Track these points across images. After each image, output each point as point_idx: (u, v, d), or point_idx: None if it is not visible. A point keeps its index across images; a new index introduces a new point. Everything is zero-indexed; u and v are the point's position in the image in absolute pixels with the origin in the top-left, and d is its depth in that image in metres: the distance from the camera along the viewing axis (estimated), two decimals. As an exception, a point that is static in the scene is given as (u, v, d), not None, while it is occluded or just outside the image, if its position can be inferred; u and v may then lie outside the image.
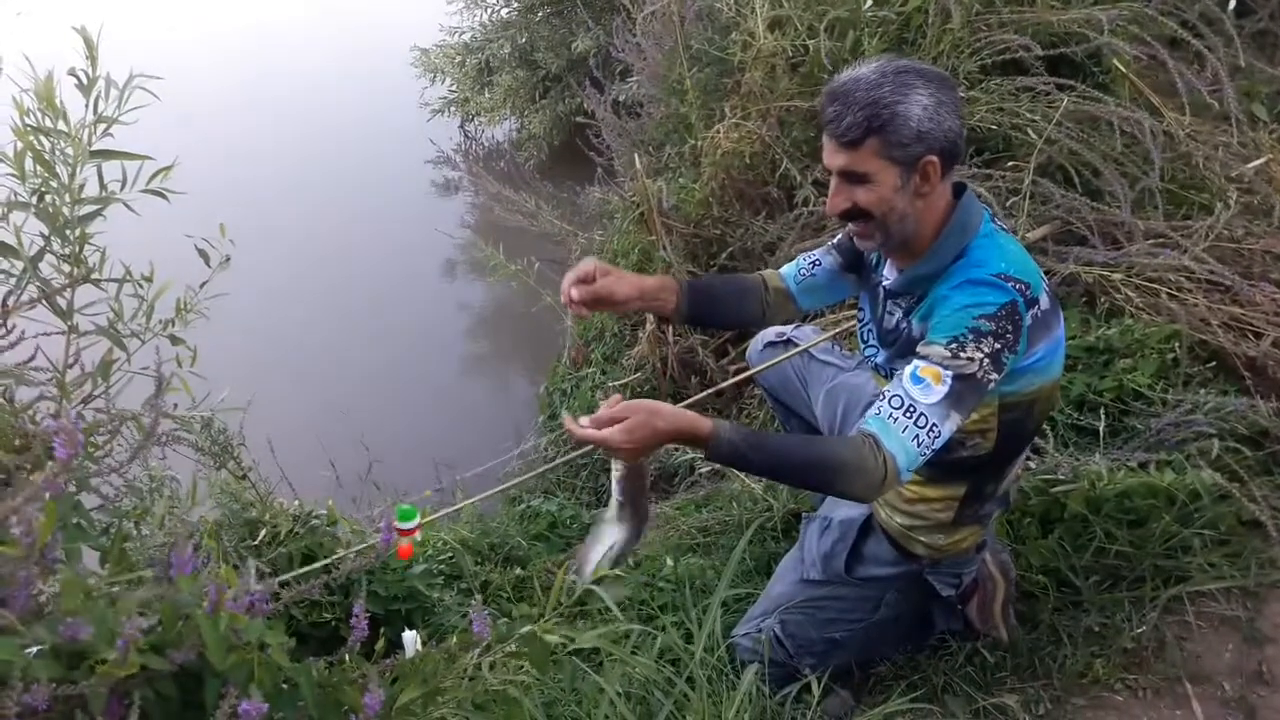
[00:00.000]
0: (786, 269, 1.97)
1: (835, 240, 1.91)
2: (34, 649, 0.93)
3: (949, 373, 1.44)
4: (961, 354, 1.44)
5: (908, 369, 1.48)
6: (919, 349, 1.50)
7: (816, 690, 1.77)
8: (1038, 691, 1.91)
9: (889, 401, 1.47)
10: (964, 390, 1.44)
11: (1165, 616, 1.98)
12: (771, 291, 1.95)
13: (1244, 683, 1.84)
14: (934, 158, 1.48)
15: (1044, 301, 1.54)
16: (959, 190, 1.61)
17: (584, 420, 1.47)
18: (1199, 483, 2.02)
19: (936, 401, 1.43)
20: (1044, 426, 2.36)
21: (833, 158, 1.53)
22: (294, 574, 1.12)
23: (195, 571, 1.05)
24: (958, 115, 1.49)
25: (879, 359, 1.76)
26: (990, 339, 1.45)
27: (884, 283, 1.72)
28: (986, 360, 1.44)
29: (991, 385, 1.47)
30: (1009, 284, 1.48)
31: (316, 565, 1.14)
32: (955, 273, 1.54)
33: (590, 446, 1.55)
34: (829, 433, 2.17)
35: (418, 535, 1.68)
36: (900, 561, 1.85)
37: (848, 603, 1.94)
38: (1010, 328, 1.46)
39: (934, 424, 1.44)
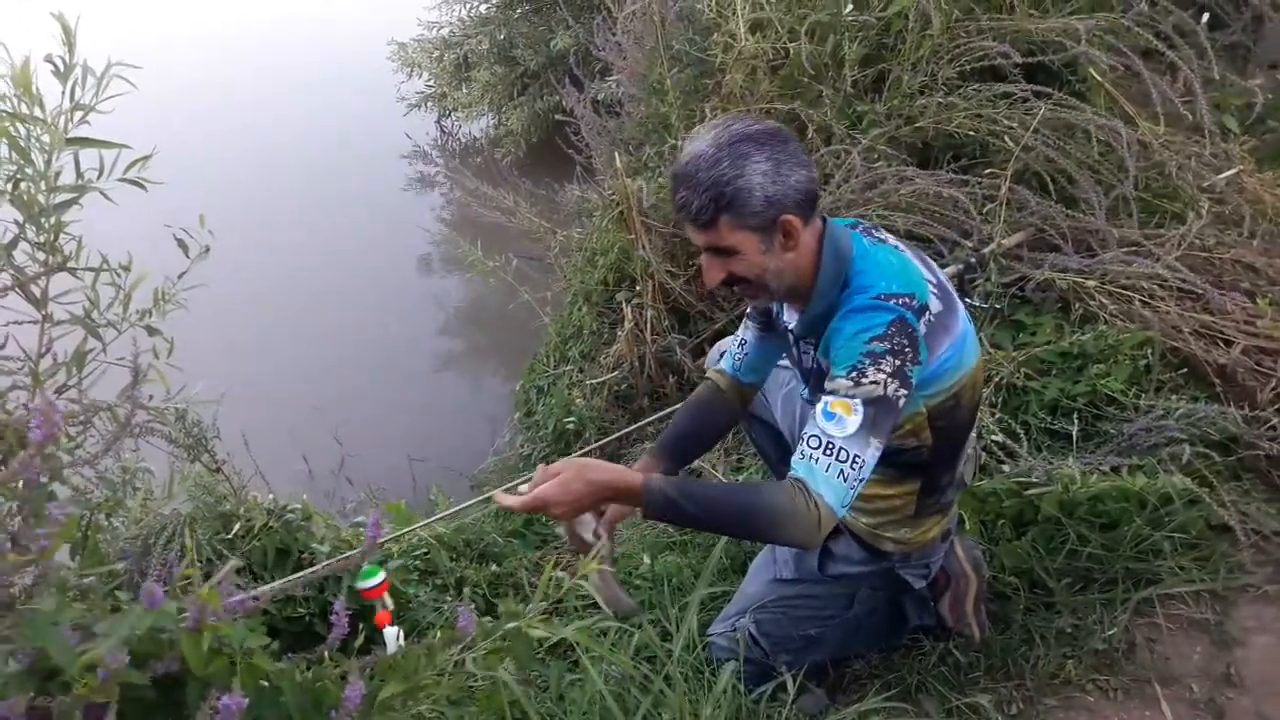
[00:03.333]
0: (724, 362, 2.01)
1: (747, 312, 1.95)
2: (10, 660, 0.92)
3: (857, 400, 1.46)
4: (864, 380, 1.47)
5: (819, 407, 1.50)
6: (825, 384, 1.53)
7: (792, 688, 1.78)
8: (1010, 691, 1.93)
9: (807, 443, 1.49)
10: (877, 414, 1.47)
11: (1136, 618, 2.00)
12: (727, 390, 1.98)
13: (1212, 685, 1.86)
14: (789, 215, 1.51)
15: (934, 305, 1.57)
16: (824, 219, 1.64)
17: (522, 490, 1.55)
18: (1170, 487, 2.06)
19: (853, 433, 1.46)
20: (1017, 430, 2.39)
21: (695, 238, 1.58)
22: (283, 581, 1.11)
23: (170, 589, 1.03)
24: (802, 165, 1.52)
25: (806, 395, 1.82)
26: (888, 358, 1.47)
27: (789, 327, 1.76)
28: (890, 380, 1.47)
29: (903, 401, 1.50)
30: (891, 301, 1.51)
31: (306, 574, 1.13)
32: (842, 303, 1.57)
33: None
34: (789, 433, 2.19)
35: (387, 599, 1.57)
36: (870, 560, 1.87)
37: (821, 600, 1.95)
38: (905, 341, 1.49)
39: (855, 455, 1.46)
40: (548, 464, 1.57)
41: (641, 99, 4.27)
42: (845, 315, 1.54)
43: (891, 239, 1.68)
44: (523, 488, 1.55)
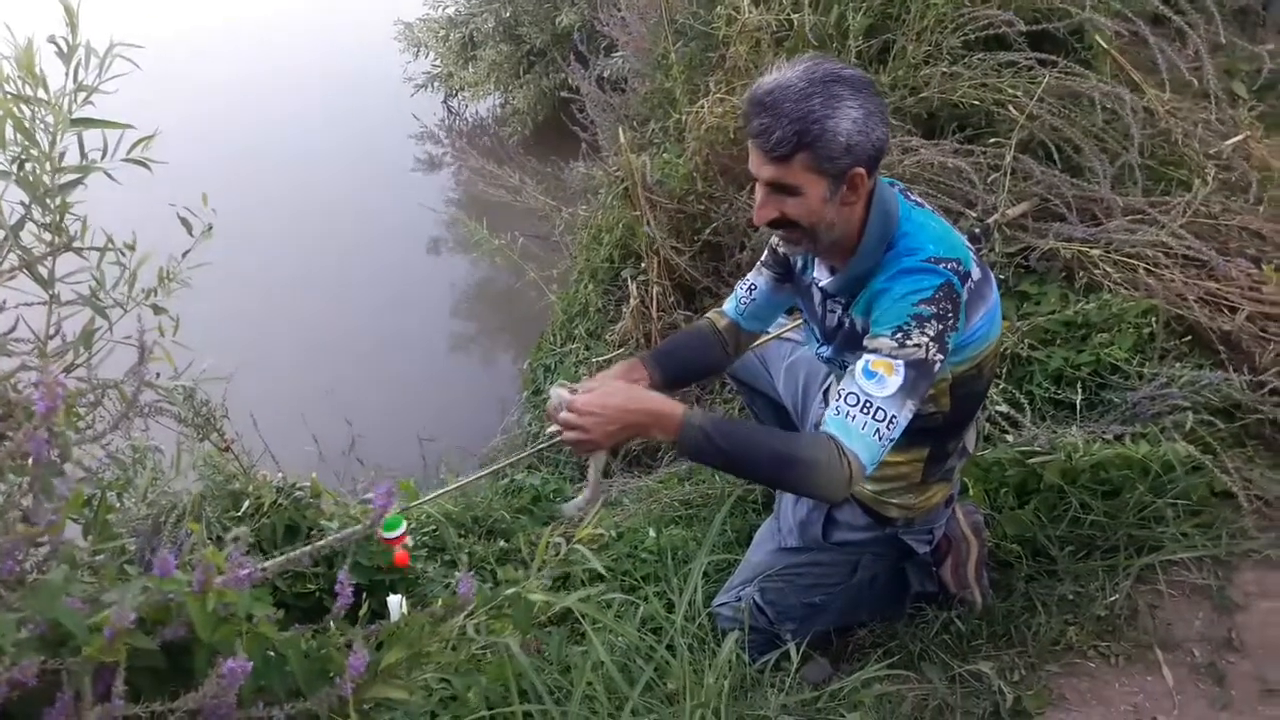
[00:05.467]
0: (727, 304, 2.00)
1: (762, 258, 1.94)
2: (22, 629, 0.94)
3: (899, 362, 1.47)
4: (908, 342, 1.47)
5: (859, 364, 1.50)
6: (866, 343, 1.53)
7: (795, 657, 1.79)
8: (1012, 658, 1.94)
9: (844, 400, 1.49)
10: (917, 377, 1.48)
11: (1138, 585, 2.01)
12: (723, 332, 1.99)
13: (1214, 649, 1.88)
14: (861, 169, 1.49)
15: (975, 272, 1.57)
16: None
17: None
18: (1173, 454, 2.06)
19: (892, 394, 1.47)
20: (1021, 400, 2.40)
21: (760, 168, 1.54)
22: (291, 554, 1.12)
23: (180, 563, 1.06)
24: (885, 122, 1.50)
25: (826, 353, 1.79)
26: (933, 321, 1.48)
27: (818, 283, 1.74)
28: (932, 343, 1.47)
29: (939, 366, 1.50)
30: (941, 265, 1.51)
31: (318, 544, 1.15)
32: (888, 264, 1.56)
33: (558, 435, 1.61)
34: (793, 406, 2.20)
35: (408, 540, 1.70)
36: (874, 525, 1.88)
37: (825, 567, 1.97)
38: (950, 307, 1.49)
39: (892, 415, 1.47)
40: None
41: (646, 74, 4.26)
42: (895, 276, 1.53)
43: (927, 204, 1.68)
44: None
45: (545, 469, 3.43)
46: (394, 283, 6.18)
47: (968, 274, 1.54)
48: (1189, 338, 2.44)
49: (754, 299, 1.95)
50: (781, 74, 1.48)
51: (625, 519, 2.69)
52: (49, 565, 1.07)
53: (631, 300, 3.64)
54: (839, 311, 1.71)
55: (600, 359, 3.76)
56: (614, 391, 1.56)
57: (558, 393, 1.60)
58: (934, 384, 1.57)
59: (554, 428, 1.60)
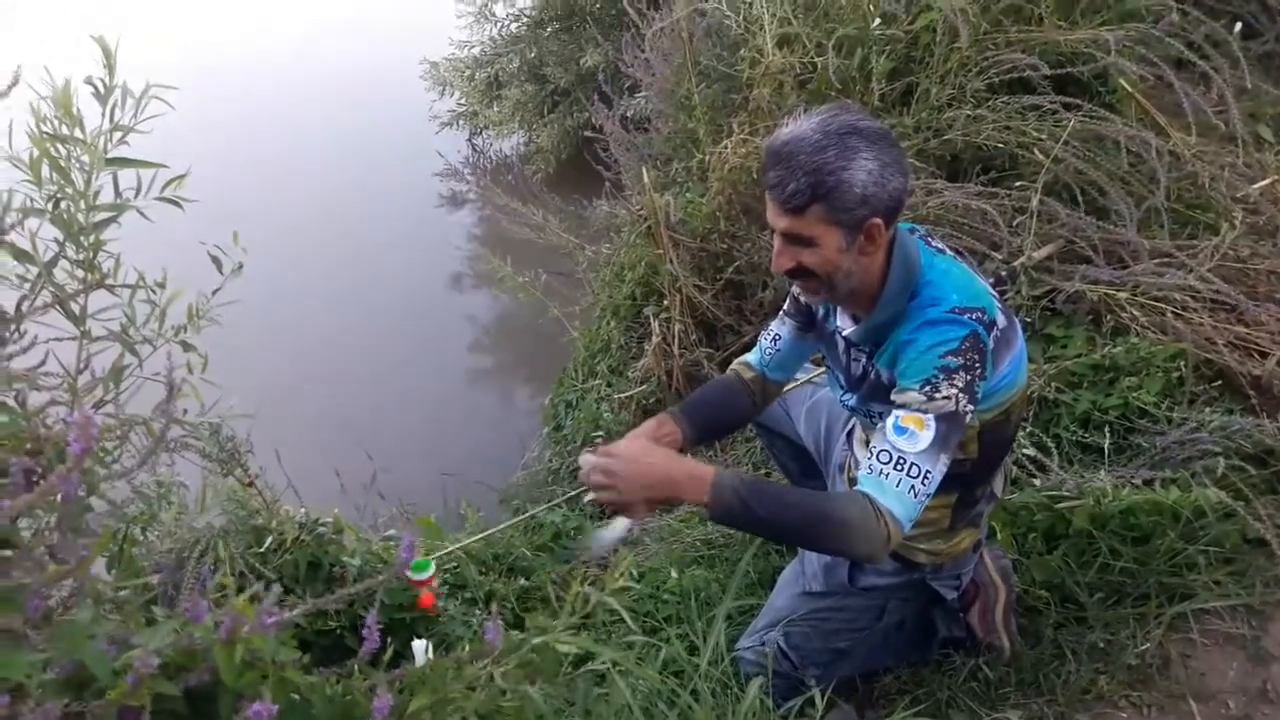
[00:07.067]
0: (751, 356, 2.00)
1: (785, 308, 1.93)
2: (46, 670, 0.93)
3: (930, 416, 1.46)
4: (937, 395, 1.46)
5: (889, 420, 1.49)
6: (894, 397, 1.52)
7: (820, 703, 1.77)
8: (1041, 707, 1.91)
9: (877, 458, 1.48)
10: (949, 429, 1.47)
11: (1169, 634, 1.98)
12: (749, 384, 1.98)
13: (1248, 701, 1.84)
14: (878, 220, 1.48)
15: (1000, 320, 1.56)
16: None
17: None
18: (1204, 500, 2.03)
19: (924, 448, 1.45)
20: (1048, 444, 2.38)
21: (776, 219, 1.54)
22: (320, 600, 1.12)
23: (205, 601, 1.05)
24: (902, 172, 1.49)
25: (851, 402, 1.78)
26: (961, 373, 1.47)
27: (842, 332, 1.73)
28: (962, 395, 1.46)
29: (970, 416, 1.49)
30: (966, 316, 1.50)
31: (348, 590, 1.15)
32: (912, 314, 1.55)
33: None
34: (815, 449, 2.19)
35: (434, 584, 1.70)
36: (901, 571, 1.86)
37: (851, 612, 1.94)
38: (977, 357, 1.48)
39: (926, 471, 1.46)
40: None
41: (669, 115, 4.29)
42: (920, 327, 1.52)
43: (948, 249, 1.67)
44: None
45: (565, 506, 3.41)
46: (418, 318, 6.21)
47: (993, 322, 1.53)
48: (1219, 382, 2.42)
49: (778, 349, 1.94)
50: (798, 125, 1.49)
51: (647, 559, 2.68)
52: (74, 601, 1.06)
53: (653, 337, 3.64)
54: (863, 360, 1.70)
55: (622, 395, 3.76)
56: (647, 452, 1.54)
57: (588, 459, 1.59)
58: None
59: (591, 495, 1.58)
